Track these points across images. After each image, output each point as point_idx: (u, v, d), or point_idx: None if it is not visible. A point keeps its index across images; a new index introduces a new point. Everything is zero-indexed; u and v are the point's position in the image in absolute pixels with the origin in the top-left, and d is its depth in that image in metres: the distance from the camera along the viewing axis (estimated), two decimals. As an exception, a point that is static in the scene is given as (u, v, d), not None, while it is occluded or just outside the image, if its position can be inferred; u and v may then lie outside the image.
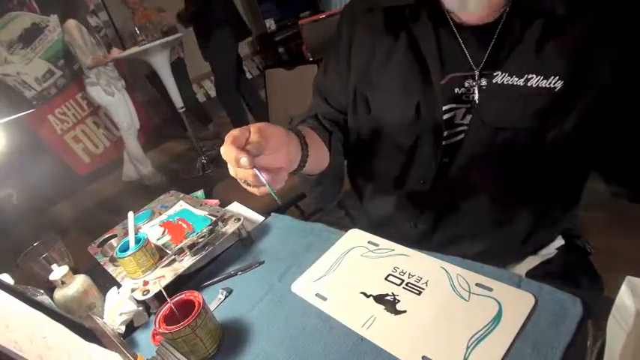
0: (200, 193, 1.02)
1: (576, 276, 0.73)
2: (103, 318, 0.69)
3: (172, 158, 4.00)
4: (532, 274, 0.73)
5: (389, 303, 0.59)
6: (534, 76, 0.57)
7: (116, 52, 2.98)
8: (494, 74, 0.60)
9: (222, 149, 0.53)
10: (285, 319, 0.62)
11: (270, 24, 4.59)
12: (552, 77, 0.56)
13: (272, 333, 0.61)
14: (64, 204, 3.63)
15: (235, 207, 0.97)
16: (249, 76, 4.43)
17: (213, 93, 5.15)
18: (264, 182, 0.54)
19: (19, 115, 3.15)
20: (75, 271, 0.76)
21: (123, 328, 0.69)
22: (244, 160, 0.51)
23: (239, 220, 0.81)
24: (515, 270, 0.77)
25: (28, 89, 3.73)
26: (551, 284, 0.53)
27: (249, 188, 0.58)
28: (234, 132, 0.53)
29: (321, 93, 0.83)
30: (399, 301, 0.59)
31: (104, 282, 0.77)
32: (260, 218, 0.91)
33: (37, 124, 3.71)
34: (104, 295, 0.74)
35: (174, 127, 4.08)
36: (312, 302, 0.64)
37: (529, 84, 0.58)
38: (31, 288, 0.68)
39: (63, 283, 0.71)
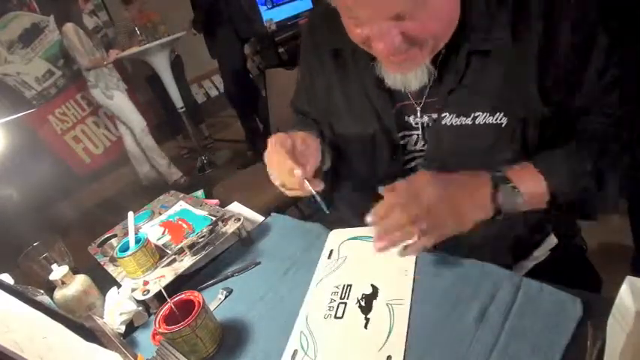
0: (200, 193, 1.02)
1: (574, 273, 0.72)
2: (103, 318, 0.69)
3: (172, 158, 4.00)
4: (531, 273, 0.72)
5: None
6: (480, 113, 0.60)
7: (114, 54, 2.98)
8: (442, 115, 0.62)
9: (270, 155, 0.59)
10: (285, 319, 0.62)
11: (270, 24, 4.58)
12: (498, 114, 0.59)
13: (272, 333, 0.61)
14: (64, 204, 3.62)
15: (235, 207, 0.97)
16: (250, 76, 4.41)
17: (213, 93, 5.13)
18: (313, 192, 0.60)
19: (19, 115, 3.14)
20: (75, 271, 0.76)
21: (123, 328, 0.69)
22: (298, 172, 0.57)
23: (239, 220, 0.81)
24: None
25: (28, 89, 3.72)
26: (551, 284, 0.53)
27: (287, 192, 0.63)
28: (281, 139, 0.58)
29: (300, 113, 0.88)
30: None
31: (104, 282, 0.77)
32: (260, 218, 0.91)
33: (37, 124, 3.70)
34: (104, 295, 0.74)
35: (174, 127, 4.07)
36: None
37: (477, 122, 0.60)
38: (31, 288, 0.69)
39: (63, 283, 0.71)
